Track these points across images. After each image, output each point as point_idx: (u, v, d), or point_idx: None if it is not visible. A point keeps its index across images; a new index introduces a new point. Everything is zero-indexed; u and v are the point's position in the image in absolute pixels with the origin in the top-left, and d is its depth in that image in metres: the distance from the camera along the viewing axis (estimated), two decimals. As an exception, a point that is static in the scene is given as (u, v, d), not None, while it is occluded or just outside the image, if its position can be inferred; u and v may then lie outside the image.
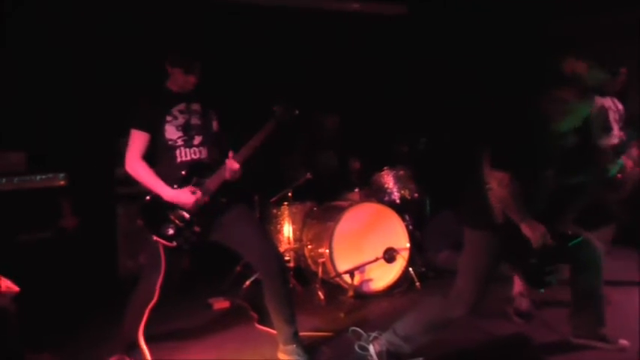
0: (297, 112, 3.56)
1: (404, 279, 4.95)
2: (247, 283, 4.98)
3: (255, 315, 4.34)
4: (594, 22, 6.15)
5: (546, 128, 3.08)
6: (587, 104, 3.10)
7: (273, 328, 3.64)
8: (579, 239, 3.22)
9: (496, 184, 3.01)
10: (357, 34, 6.63)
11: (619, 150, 4.45)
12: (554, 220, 3.16)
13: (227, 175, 3.35)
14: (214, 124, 3.52)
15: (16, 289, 2.87)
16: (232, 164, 3.35)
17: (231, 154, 3.38)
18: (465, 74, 6.43)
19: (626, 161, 4.45)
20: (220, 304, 4.68)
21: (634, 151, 4.49)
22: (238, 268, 5.18)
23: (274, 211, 5.27)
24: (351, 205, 4.86)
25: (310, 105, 5.46)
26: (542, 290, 3.23)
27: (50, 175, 4.74)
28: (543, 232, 3.02)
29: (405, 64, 6.72)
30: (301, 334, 3.57)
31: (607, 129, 4.51)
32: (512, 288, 4.22)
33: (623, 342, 3.48)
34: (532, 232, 3.02)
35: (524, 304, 4.17)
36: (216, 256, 4.17)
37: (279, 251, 3.67)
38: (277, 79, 5.77)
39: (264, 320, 4.10)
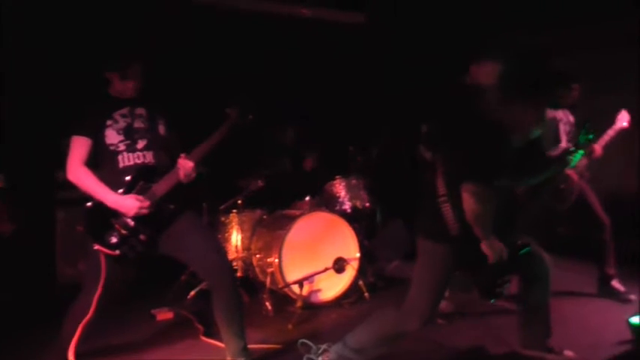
0: (251, 115, 3.48)
1: (353, 289, 4.89)
2: (192, 293, 4.85)
3: (200, 327, 4.21)
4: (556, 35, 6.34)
5: (508, 139, 3.07)
6: (545, 120, 3.12)
7: (219, 341, 3.54)
8: (528, 249, 3.23)
9: (471, 198, 2.91)
10: (314, 41, 6.57)
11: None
12: (505, 231, 3.15)
13: (181, 175, 3.24)
14: (161, 128, 3.39)
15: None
16: (186, 163, 3.24)
17: (183, 155, 3.27)
18: (423, 85, 6.45)
19: (571, 173, 4.53)
20: (164, 315, 4.54)
21: (579, 162, 4.57)
22: (183, 277, 5.04)
23: (222, 218, 5.15)
24: (302, 214, 4.78)
25: (268, 113, 5.41)
26: (493, 301, 3.21)
27: (-15, 178, 4.50)
28: (502, 249, 3.01)
29: (361, 73, 6.70)
30: (249, 347, 3.45)
31: (557, 140, 4.58)
32: None
33: (569, 353, 3.52)
34: (492, 251, 3.00)
35: (447, 306, 4.22)
36: (159, 264, 4.01)
37: (230, 263, 3.55)
38: (234, 86, 5.65)
39: (210, 332, 4.00)
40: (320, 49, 6.58)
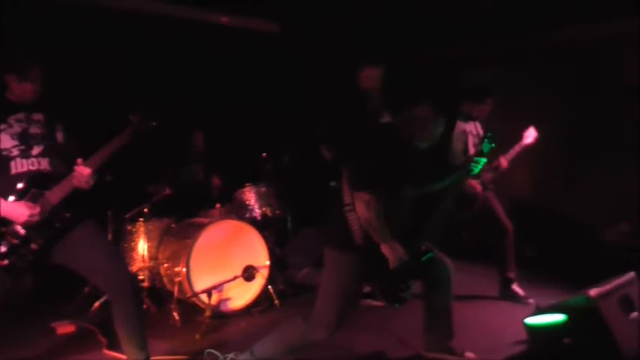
0: (155, 122, 3.41)
1: (263, 297, 4.87)
2: (96, 304, 4.68)
3: (104, 340, 4.07)
4: (458, 50, 6.59)
5: (406, 147, 3.16)
6: (441, 121, 3.21)
7: (123, 354, 3.42)
8: (430, 255, 3.32)
9: (362, 206, 3.00)
10: (224, 48, 6.50)
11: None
12: (410, 237, 3.23)
13: (75, 181, 3.11)
14: (59, 135, 3.27)
15: None
16: (82, 170, 3.11)
17: (79, 160, 3.14)
18: (332, 95, 6.54)
19: (475, 184, 4.70)
20: (65, 328, 4.35)
21: (486, 175, 4.76)
22: (87, 289, 4.86)
23: (129, 227, 5.00)
24: (210, 222, 4.72)
25: (176, 119, 5.29)
26: (397, 306, 3.28)
27: None
28: (402, 254, 3.08)
29: (273, 81, 6.70)
30: (154, 358, 3.40)
31: (466, 152, 4.75)
32: None
33: (469, 354, 3.62)
34: (391, 254, 3.06)
35: None
36: (61, 274, 3.84)
37: (130, 273, 3.46)
38: (143, 91, 5.52)
39: (114, 345, 3.85)
40: (235, 56, 6.53)
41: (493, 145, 4.21)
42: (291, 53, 6.74)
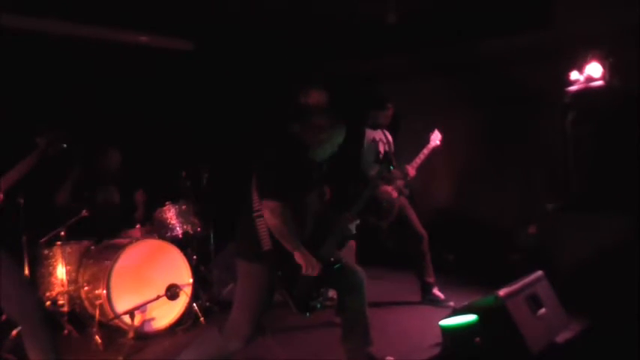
0: (65, 144, 3.36)
1: (188, 315, 4.85)
2: (14, 332, 4.51)
3: (22, 368, 3.94)
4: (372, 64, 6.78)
5: (307, 156, 3.25)
6: (340, 132, 3.31)
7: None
8: (339, 265, 3.40)
9: (269, 214, 3.07)
10: (141, 67, 6.45)
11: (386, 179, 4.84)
12: (320, 246, 3.31)
13: None
14: None
15: None
16: None
17: None
18: (248, 110, 6.61)
19: (391, 190, 4.85)
20: (-19, 358, 4.20)
21: (399, 182, 4.92)
22: (4, 317, 4.69)
23: (45, 252, 4.86)
24: (130, 243, 4.67)
25: (91, 138, 5.19)
26: (308, 315, 3.34)
27: None
28: (314, 262, 3.15)
29: (190, 98, 6.70)
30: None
31: (377, 160, 4.88)
32: None
33: (390, 359, 3.70)
34: (304, 261, 3.13)
35: None
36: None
37: (38, 297, 3.39)
38: (58, 111, 5.42)
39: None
40: (149, 76, 6.49)
41: (392, 167, 4.41)
42: (207, 71, 6.77)
